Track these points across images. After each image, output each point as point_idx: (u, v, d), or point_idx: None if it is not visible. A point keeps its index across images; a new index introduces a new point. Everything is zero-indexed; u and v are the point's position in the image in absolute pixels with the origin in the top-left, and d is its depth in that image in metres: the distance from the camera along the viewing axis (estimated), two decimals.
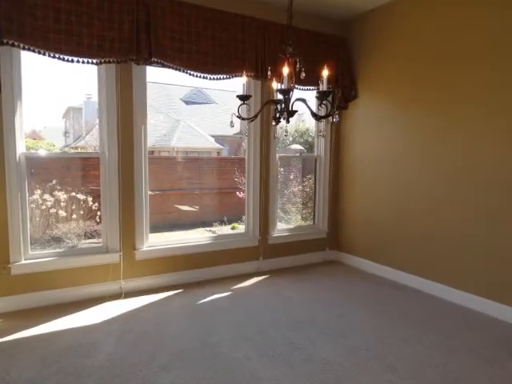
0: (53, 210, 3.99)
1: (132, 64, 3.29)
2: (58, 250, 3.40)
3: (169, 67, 3.35)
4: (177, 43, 3.32)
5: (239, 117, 2.46)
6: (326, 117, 2.33)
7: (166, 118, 7.38)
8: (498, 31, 2.99)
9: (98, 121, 3.47)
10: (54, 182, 4.02)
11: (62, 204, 4.06)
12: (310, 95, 4.21)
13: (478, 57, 3.12)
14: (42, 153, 3.68)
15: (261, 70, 3.70)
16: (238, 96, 2.38)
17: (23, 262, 3.14)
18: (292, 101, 2.31)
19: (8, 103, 2.98)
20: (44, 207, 3.93)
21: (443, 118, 3.42)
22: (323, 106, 2.25)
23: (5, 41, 2.71)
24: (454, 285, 3.37)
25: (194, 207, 6.13)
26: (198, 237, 4.12)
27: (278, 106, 2.37)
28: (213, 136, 7.51)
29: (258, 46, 3.70)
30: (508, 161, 2.97)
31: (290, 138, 6.28)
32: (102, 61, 3.07)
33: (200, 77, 3.52)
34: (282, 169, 4.93)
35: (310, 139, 6.02)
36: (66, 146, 6.41)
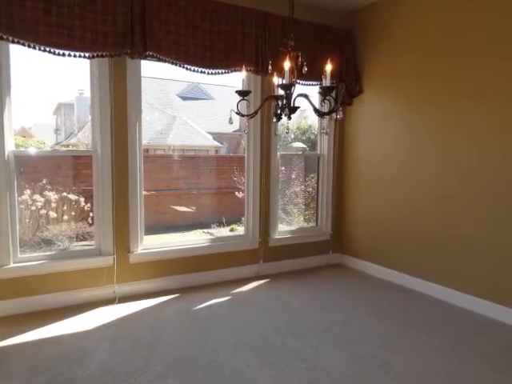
0: (43, 211, 3.99)
1: (126, 58, 3.29)
2: (48, 253, 3.39)
3: (164, 61, 3.35)
4: (173, 36, 3.31)
5: (238, 113, 2.45)
6: (329, 113, 2.33)
7: (161, 114, 7.38)
8: (508, 23, 2.98)
9: (90, 117, 3.47)
10: (45, 181, 4.02)
11: (53, 205, 4.06)
12: (313, 91, 4.20)
13: (487, 49, 3.12)
14: (32, 151, 3.68)
15: (261, 64, 3.69)
16: (237, 91, 2.37)
17: (12, 265, 3.14)
18: (294, 96, 2.30)
19: None
20: (34, 208, 3.93)
21: (452, 113, 3.41)
22: (326, 101, 2.24)
23: None
24: (463, 288, 3.37)
25: (190, 208, 6.13)
26: (195, 239, 4.12)
27: (279, 102, 2.37)
28: (211, 133, 7.51)
29: (258, 39, 3.69)
30: None
31: (292, 136, 6.28)
32: (95, 55, 3.06)
33: (197, 71, 3.51)
34: (283, 168, 4.93)
35: (312, 137, 6.02)
36: (57, 143, 6.41)
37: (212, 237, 4.24)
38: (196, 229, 5.79)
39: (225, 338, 2.78)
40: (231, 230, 5.68)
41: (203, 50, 3.47)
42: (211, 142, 7.48)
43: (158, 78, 7.65)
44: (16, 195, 3.18)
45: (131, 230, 3.55)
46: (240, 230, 5.02)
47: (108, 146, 3.38)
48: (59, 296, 3.28)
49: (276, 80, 2.51)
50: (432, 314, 3.26)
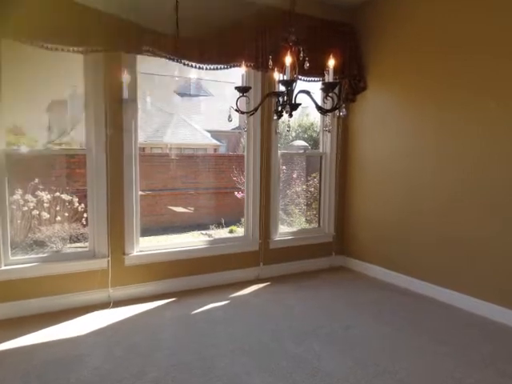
0: (35, 212, 3.98)
1: (121, 53, 3.29)
2: (41, 255, 3.39)
3: (161, 56, 3.34)
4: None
5: (238, 110, 2.45)
6: (332, 110, 2.33)
7: (158, 111, 7.38)
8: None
9: (84, 115, 3.47)
10: (37, 181, 4.01)
11: (46, 205, 4.05)
12: (315, 87, 4.20)
13: (492, 47, 3.12)
14: (24, 149, 3.67)
15: (261, 59, 3.69)
16: (236, 88, 2.37)
17: (3, 268, 3.14)
18: (295, 93, 2.30)
19: None
20: (26, 208, 3.92)
21: (459, 111, 3.41)
22: (329, 98, 2.24)
23: None
24: (471, 293, 3.37)
25: (188, 208, 6.12)
26: (192, 241, 4.12)
27: (280, 99, 2.37)
28: (209, 131, 7.50)
29: (259, 33, 3.69)
30: None
31: (293, 134, 6.26)
32: (89, 49, 3.06)
33: (195, 67, 3.51)
34: (284, 167, 4.93)
35: (314, 135, 6.01)
36: (50, 141, 6.40)
37: (210, 238, 4.24)
38: (194, 230, 5.78)
39: (223, 343, 2.78)
40: (230, 232, 5.68)
41: (201, 45, 3.46)
42: (210, 140, 7.46)
43: (155, 74, 7.64)
44: (7, 195, 3.18)
45: (126, 232, 3.55)
46: (239, 231, 5.01)
47: (102, 144, 3.38)
48: (52, 300, 3.28)
49: (277, 76, 2.51)
50: (438, 318, 3.26)
